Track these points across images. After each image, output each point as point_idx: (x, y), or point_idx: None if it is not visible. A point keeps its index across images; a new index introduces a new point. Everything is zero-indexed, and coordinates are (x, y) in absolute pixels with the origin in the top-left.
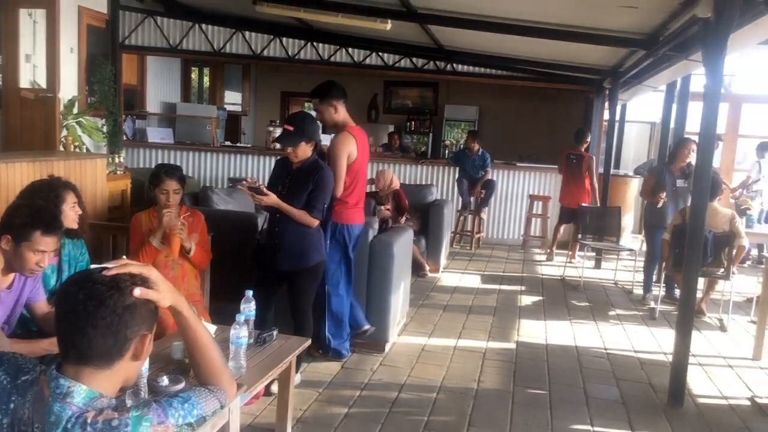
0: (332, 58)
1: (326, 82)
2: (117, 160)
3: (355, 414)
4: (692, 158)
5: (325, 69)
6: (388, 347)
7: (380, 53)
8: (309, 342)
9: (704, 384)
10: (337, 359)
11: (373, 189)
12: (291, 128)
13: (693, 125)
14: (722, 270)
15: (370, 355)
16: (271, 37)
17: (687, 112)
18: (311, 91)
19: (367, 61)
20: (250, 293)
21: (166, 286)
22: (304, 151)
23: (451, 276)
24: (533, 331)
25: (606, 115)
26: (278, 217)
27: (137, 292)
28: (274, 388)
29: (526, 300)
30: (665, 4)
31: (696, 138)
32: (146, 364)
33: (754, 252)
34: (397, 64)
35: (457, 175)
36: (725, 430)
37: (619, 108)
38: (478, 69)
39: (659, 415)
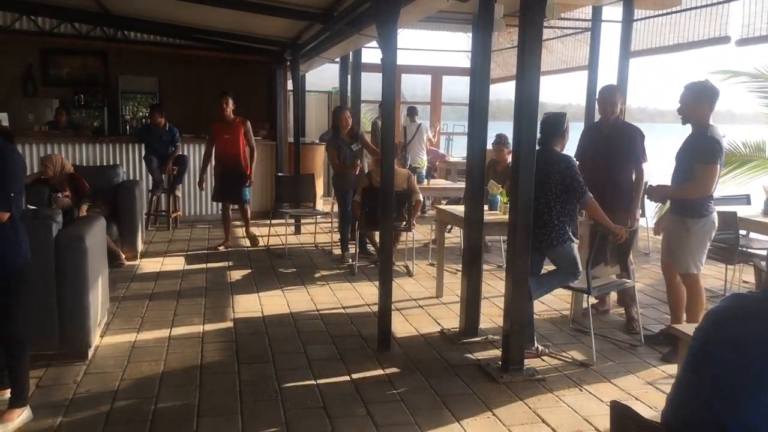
0: None
1: None
2: None
3: None
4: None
5: None
6: (91, 353)
7: (33, 17)
8: None
9: (403, 325)
10: None
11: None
12: None
13: (365, 93)
14: (404, 223)
15: (70, 365)
16: None
17: (361, 82)
18: None
19: (17, 25)
20: None
21: None
22: None
23: (151, 262)
24: (248, 306)
25: (289, 86)
26: None
27: None
28: None
29: (236, 275)
30: None
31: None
32: None
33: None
34: (56, 30)
35: (143, 153)
36: (425, 362)
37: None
38: (154, 38)
39: (372, 361)
